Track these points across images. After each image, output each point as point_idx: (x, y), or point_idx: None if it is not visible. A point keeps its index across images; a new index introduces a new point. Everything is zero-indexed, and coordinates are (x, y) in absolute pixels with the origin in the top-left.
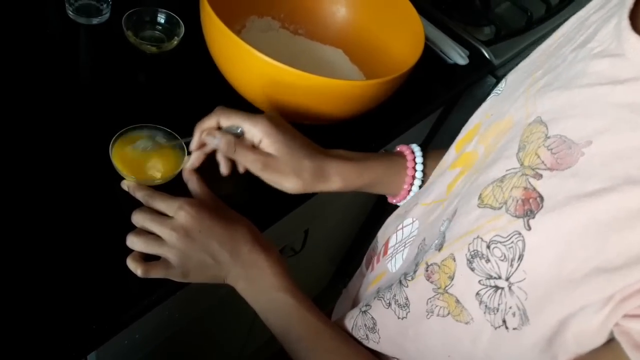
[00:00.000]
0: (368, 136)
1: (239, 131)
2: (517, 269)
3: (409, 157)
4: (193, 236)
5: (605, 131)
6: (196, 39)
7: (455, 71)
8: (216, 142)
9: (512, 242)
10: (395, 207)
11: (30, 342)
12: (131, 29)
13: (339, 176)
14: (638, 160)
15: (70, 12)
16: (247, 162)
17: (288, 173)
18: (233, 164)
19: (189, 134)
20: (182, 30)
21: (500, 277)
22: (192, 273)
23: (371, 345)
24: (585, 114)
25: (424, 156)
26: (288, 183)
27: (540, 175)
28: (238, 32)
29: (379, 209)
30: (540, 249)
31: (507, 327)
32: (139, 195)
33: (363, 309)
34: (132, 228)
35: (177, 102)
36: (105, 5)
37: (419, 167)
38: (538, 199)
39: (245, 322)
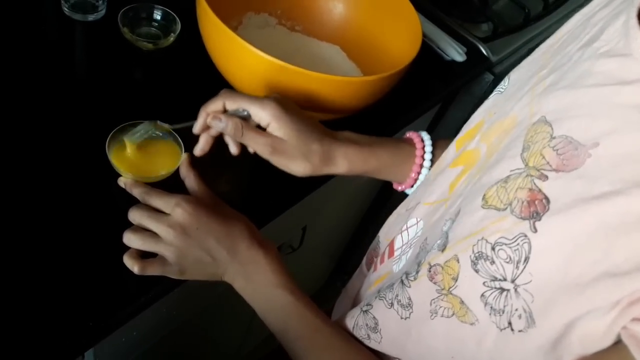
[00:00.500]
0: (365, 133)
1: (245, 114)
2: (523, 271)
3: (418, 145)
4: (190, 233)
5: (612, 132)
6: (193, 35)
7: (452, 68)
8: (222, 125)
9: (517, 244)
10: (396, 200)
11: (27, 340)
12: (127, 26)
13: (345, 159)
14: None
15: (66, 9)
16: (256, 145)
17: (297, 157)
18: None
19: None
20: (179, 26)
21: (505, 279)
22: (189, 270)
23: (372, 345)
24: (591, 114)
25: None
26: (296, 167)
27: (546, 177)
28: (235, 29)
29: (377, 205)
30: (546, 252)
31: (512, 329)
32: (136, 192)
33: (364, 308)
34: (129, 225)
35: (173, 98)
36: (101, 2)
37: (428, 155)
38: (544, 200)
39: (243, 319)
